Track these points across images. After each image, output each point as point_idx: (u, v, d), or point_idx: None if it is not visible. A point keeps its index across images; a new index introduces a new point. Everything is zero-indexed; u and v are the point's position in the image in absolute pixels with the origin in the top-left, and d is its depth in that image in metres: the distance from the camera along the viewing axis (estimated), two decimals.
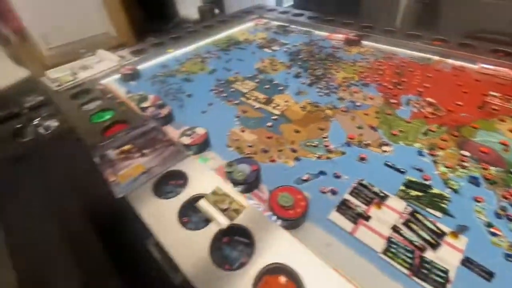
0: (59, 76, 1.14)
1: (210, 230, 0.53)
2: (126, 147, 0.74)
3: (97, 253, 1.49)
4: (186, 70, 1.22)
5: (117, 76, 1.19)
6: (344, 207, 0.58)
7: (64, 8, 2.93)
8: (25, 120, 2.48)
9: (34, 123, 2.49)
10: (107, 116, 0.91)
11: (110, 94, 1.02)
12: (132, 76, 1.17)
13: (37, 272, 1.46)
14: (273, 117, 0.88)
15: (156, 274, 0.75)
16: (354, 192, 0.61)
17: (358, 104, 0.90)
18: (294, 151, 0.74)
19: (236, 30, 1.61)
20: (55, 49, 3.03)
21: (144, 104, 0.94)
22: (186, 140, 0.76)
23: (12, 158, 2.21)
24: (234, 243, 0.53)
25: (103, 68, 1.20)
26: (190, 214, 0.59)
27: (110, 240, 1.55)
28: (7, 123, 2.57)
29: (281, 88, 1.03)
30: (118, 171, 0.67)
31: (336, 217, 0.56)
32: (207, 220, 0.56)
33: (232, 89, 1.05)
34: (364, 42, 1.32)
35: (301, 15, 1.65)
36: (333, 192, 0.62)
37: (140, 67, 1.24)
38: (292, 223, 0.54)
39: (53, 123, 2.54)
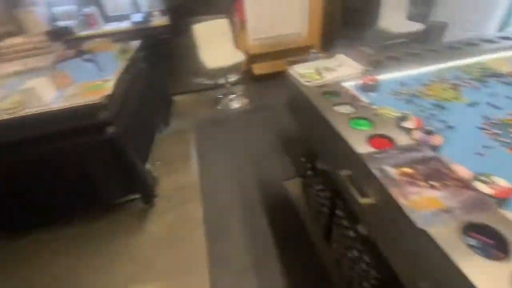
0: (306, 72, 1.26)
1: None
2: (407, 170, 0.70)
3: (262, 224, 1.67)
4: (434, 94, 1.09)
5: (354, 82, 1.20)
6: None
7: (278, 8, 3.38)
8: (225, 92, 3.11)
9: (230, 97, 3.07)
10: (365, 125, 0.91)
11: (361, 102, 1.03)
12: (373, 87, 1.15)
13: (217, 213, 1.79)
14: None
15: None
16: None
17: None
18: None
19: (490, 58, 1.32)
20: (258, 40, 3.59)
21: (406, 124, 0.88)
22: (483, 188, 0.64)
23: (211, 120, 2.82)
24: None
25: (345, 72, 1.24)
26: None
27: (275, 218, 1.70)
28: (213, 91, 3.30)
29: None
30: (407, 195, 0.63)
31: None
32: None
33: None
34: None
35: None
36: None
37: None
38: None
39: (238, 102, 3.05)
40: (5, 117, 1.23)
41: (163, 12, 2.89)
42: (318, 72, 1.27)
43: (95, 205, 1.70)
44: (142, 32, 2.76)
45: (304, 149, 1.48)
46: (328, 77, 1.22)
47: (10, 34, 2.53)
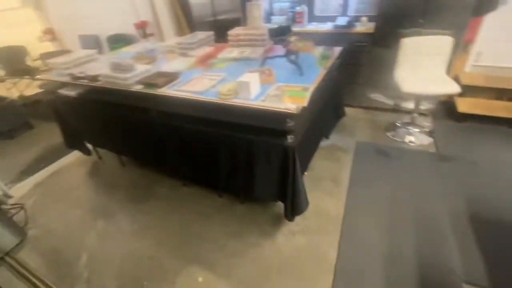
0: None
1: None
2: None
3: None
4: None
5: None
6: None
7: None
8: (407, 121, 2.55)
9: (411, 128, 2.50)
10: None
11: None
12: None
13: (353, 270, 1.47)
14: None
15: None
16: None
17: None
18: None
19: None
20: (478, 68, 2.70)
21: None
22: None
23: (377, 148, 2.41)
24: None
25: None
26: None
27: None
28: (388, 114, 2.82)
29: None
30: None
31: None
32: None
33: None
34: None
35: None
36: None
37: None
38: None
39: (420, 139, 2.41)
40: (218, 100, 1.40)
41: (371, 18, 2.62)
42: None
43: (246, 193, 1.80)
44: (340, 36, 2.63)
45: None
46: None
47: (237, 22, 3.06)
